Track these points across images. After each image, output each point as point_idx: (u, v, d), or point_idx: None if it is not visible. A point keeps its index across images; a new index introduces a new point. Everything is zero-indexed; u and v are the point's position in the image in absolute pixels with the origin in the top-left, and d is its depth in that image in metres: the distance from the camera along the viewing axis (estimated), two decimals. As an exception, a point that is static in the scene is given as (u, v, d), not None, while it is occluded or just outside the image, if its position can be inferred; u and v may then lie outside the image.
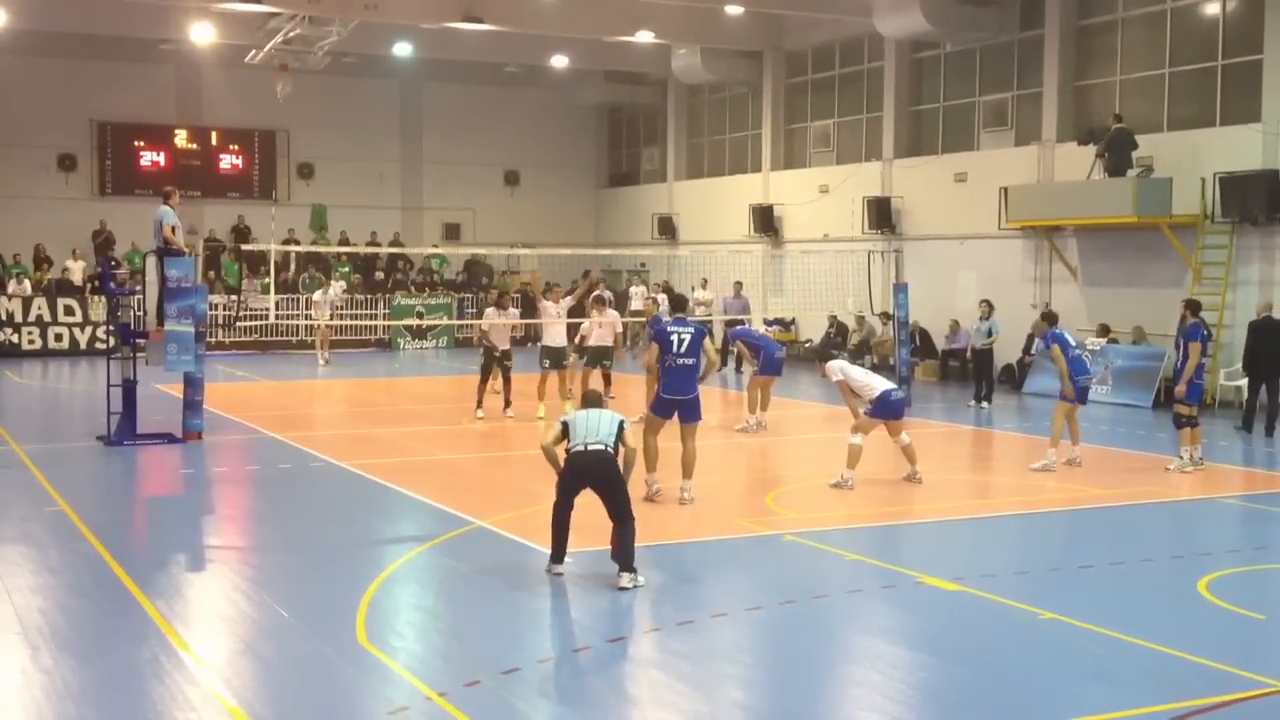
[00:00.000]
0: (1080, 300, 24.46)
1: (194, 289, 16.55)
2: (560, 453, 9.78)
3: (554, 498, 9.75)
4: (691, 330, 12.75)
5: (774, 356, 18.93)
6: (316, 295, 30.47)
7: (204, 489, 14.46)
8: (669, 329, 12.73)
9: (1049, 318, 16.21)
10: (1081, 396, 15.42)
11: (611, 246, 35.67)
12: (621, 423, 9.80)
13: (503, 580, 9.78)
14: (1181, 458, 14.96)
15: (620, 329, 20.47)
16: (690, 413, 12.68)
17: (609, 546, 9.64)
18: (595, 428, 9.64)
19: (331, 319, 30.26)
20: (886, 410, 13.92)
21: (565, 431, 9.74)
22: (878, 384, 14.03)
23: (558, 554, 9.76)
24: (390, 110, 38.20)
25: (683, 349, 12.60)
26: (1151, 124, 23.45)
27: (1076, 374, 15.29)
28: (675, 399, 12.64)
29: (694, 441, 12.69)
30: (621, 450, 9.74)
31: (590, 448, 9.56)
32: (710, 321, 32.34)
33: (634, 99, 38.94)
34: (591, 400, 10.28)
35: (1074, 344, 15.52)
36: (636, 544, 9.56)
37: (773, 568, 10.50)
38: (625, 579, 9.33)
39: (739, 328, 20.06)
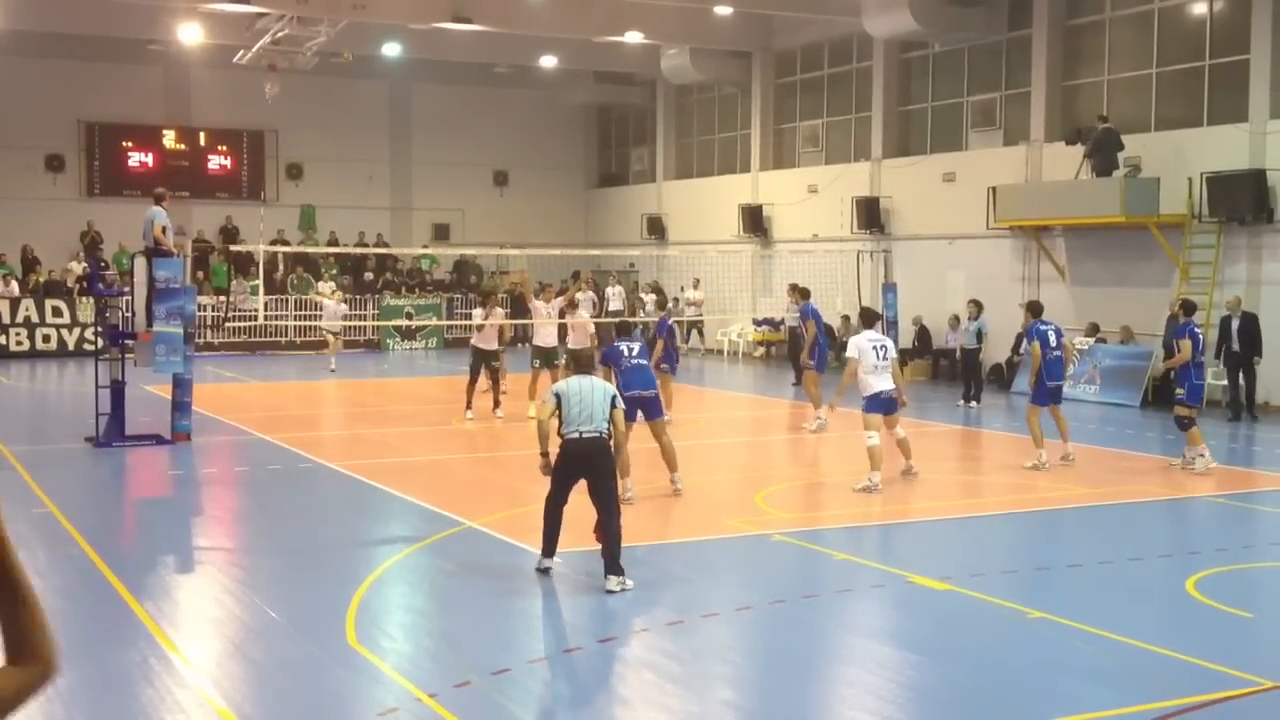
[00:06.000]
0: (1068, 300, 24.50)
1: (183, 290, 16.53)
2: (554, 427, 9.64)
3: (547, 493, 9.72)
4: (638, 344, 13.51)
5: (825, 352, 19.11)
6: (328, 304, 30.06)
7: (193, 490, 14.43)
8: (618, 343, 13.44)
9: (1033, 308, 16.08)
10: (1054, 397, 15.38)
11: (601, 247, 35.67)
12: (613, 397, 9.77)
13: (493, 581, 9.77)
14: (1204, 455, 14.76)
15: (592, 329, 20.56)
16: (654, 409, 13.06)
17: (598, 545, 9.61)
18: (590, 410, 9.54)
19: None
20: (879, 407, 13.79)
21: (559, 404, 9.64)
22: (874, 384, 13.78)
23: (549, 548, 9.71)
24: (379, 110, 38.16)
25: (634, 354, 13.18)
26: (1139, 124, 23.51)
27: (1050, 377, 15.22)
28: (636, 394, 12.80)
29: (666, 435, 13.13)
30: (612, 432, 9.67)
31: (585, 434, 9.51)
32: (702, 321, 32.55)
33: (623, 99, 38.94)
34: (583, 364, 10.19)
35: (1054, 344, 15.35)
36: (628, 544, 9.55)
37: (762, 568, 10.51)
38: (613, 582, 9.27)
39: (813, 306, 19.68)
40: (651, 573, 9.98)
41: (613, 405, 9.68)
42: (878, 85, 29.50)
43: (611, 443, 9.65)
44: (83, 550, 10.64)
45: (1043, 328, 15.39)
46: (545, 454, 9.71)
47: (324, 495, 13.85)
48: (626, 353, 13.09)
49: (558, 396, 9.69)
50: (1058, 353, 15.36)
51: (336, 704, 7.18)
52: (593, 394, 9.66)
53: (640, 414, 12.90)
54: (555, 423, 9.65)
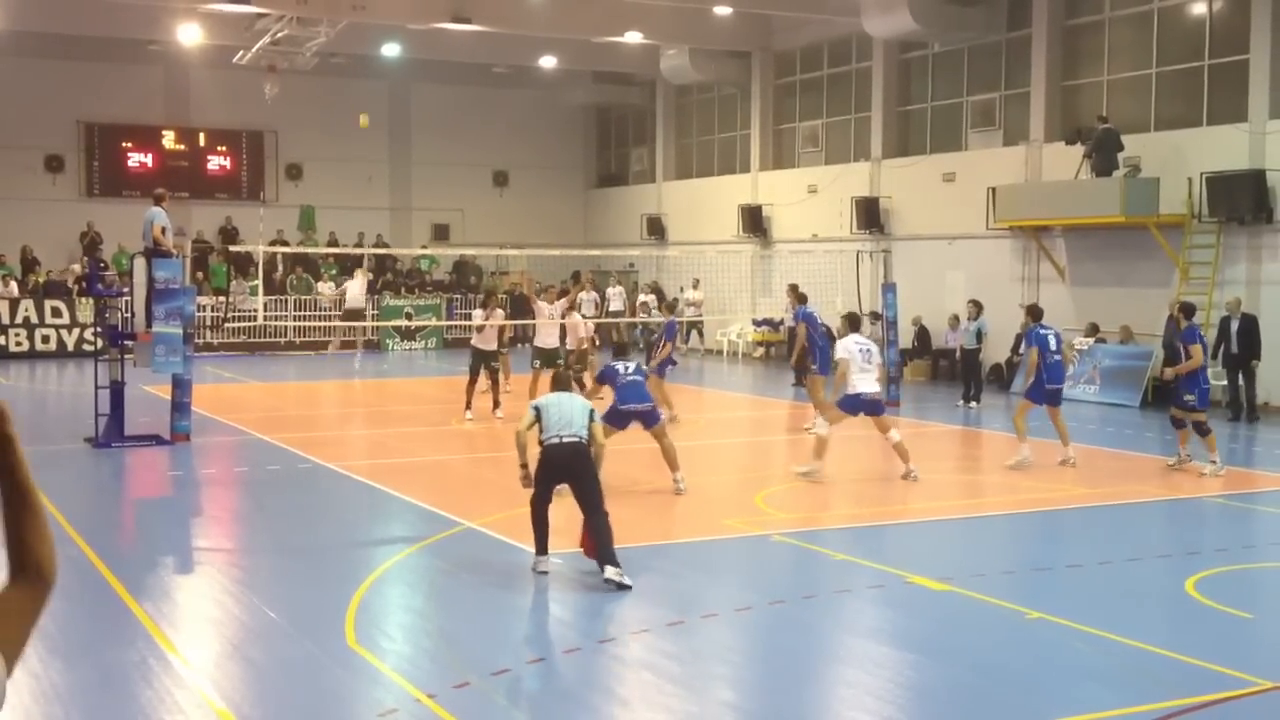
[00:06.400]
0: (1068, 300, 24.51)
1: (182, 290, 16.52)
2: (532, 440, 9.83)
3: (530, 497, 9.80)
4: (634, 362, 13.75)
5: (826, 354, 19.13)
6: (353, 285, 29.82)
7: (192, 491, 14.43)
8: (614, 363, 13.66)
9: (1033, 312, 16.20)
10: (1053, 399, 15.42)
11: (600, 247, 35.65)
12: (591, 411, 9.94)
13: (492, 581, 9.77)
14: (1215, 461, 14.62)
15: (583, 333, 20.59)
16: (649, 419, 13.25)
17: (580, 548, 9.69)
18: (569, 418, 9.70)
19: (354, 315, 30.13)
20: (851, 407, 14.03)
21: (538, 416, 9.80)
22: (858, 384, 13.98)
23: (541, 547, 9.78)
24: (379, 111, 38.03)
25: (629, 372, 13.36)
26: (1138, 124, 23.50)
27: (1051, 380, 15.26)
28: (631, 408, 13.17)
29: (666, 437, 13.32)
30: (592, 445, 9.80)
31: (565, 440, 9.63)
32: (702, 322, 32.54)
33: (622, 99, 38.94)
34: (561, 384, 10.38)
35: (1055, 348, 15.37)
36: (627, 545, 9.58)
37: (762, 568, 10.51)
38: (611, 571, 9.32)
39: (807, 309, 19.66)
40: (651, 573, 9.98)
41: (591, 419, 9.84)
42: (877, 85, 29.50)
43: (591, 450, 9.77)
44: (82, 551, 10.62)
45: (1043, 332, 15.45)
46: (524, 465, 9.89)
47: (323, 496, 13.84)
48: (622, 370, 13.34)
49: (537, 410, 9.87)
50: (1058, 356, 15.41)
51: (336, 704, 7.17)
52: (571, 405, 9.86)
53: (636, 424, 13.23)
54: (533, 435, 9.81)
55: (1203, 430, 14.71)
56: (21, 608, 2.42)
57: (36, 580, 2.45)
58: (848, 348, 14.14)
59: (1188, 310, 15.55)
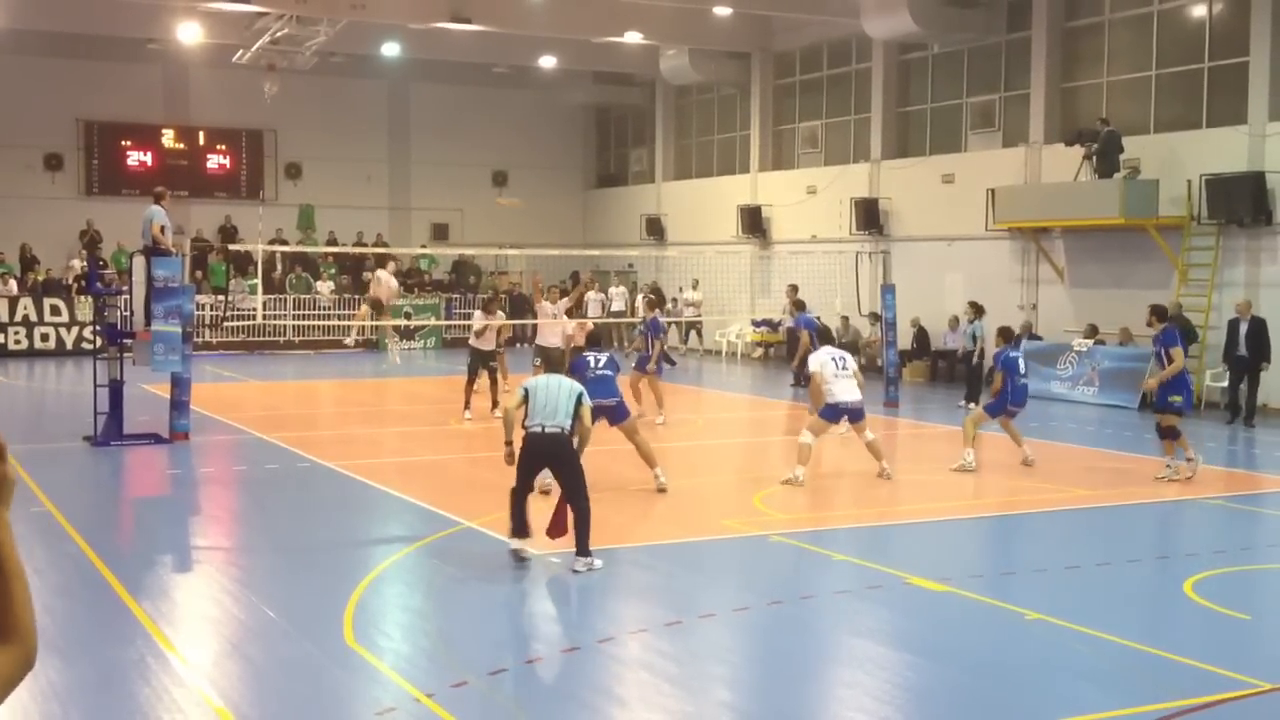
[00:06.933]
0: (1067, 301, 24.52)
1: (181, 289, 16.51)
2: (519, 418, 9.96)
3: (512, 487, 9.94)
4: (605, 355, 13.57)
5: None
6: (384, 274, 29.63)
7: (191, 489, 14.42)
8: (585, 353, 13.69)
9: (1004, 334, 15.98)
10: (1008, 416, 15.49)
11: (600, 247, 35.66)
12: (580, 395, 10.01)
13: (490, 581, 9.77)
14: (1193, 459, 14.41)
15: (572, 330, 20.64)
16: (616, 415, 13.20)
17: (557, 530, 9.81)
18: (554, 405, 9.80)
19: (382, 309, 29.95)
20: (832, 416, 14.27)
21: (526, 397, 9.92)
22: (837, 392, 14.09)
23: (519, 528, 9.91)
24: (378, 110, 38.14)
25: (599, 365, 13.29)
26: (1138, 126, 23.51)
27: (1014, 402, 15.32)
28: (597, 404, 12.89)
29: (637, 434, 13.32)
30: (577, 428, 9.92)
31: (547, 429, 9.74)
32: (701, 322, 32.55)
33: (622, 100, 38.95)
34: (553, 365, 10.49)
35: (1023, 372, 15.38)
36: (626, 545, 9.61)
37: (760, 568, 10.51)
38: (580, 564, 9.56)
39: (808, 315, 19.88)
40: (649, 573, 9.99)
41: (579, 403, 9.94)
42: (877, 86, 29.51)
43: (575, 438, 9.89)
44: (80, 549, 10.63)
45: (1012, 355, 15.42)
46: (509, 443, 10.09)
47: (322, 495, 13.83)
48: (593, 363, 13.27)
49: (526, 391, 9.97)
50: (1025, 380, 15.49)
51: (334, 703, 7.17)
52: (559, 391, 9.95)
53: (604, 420, 13.05)
54: (520, 414, 9.96)
55: (1174, 435, 14.41)
56: (3, 672, 2.37)
57: (19, 647, 2.40)
58: (820, 359, 14.42)
59: (1160, 313, 15.13)
